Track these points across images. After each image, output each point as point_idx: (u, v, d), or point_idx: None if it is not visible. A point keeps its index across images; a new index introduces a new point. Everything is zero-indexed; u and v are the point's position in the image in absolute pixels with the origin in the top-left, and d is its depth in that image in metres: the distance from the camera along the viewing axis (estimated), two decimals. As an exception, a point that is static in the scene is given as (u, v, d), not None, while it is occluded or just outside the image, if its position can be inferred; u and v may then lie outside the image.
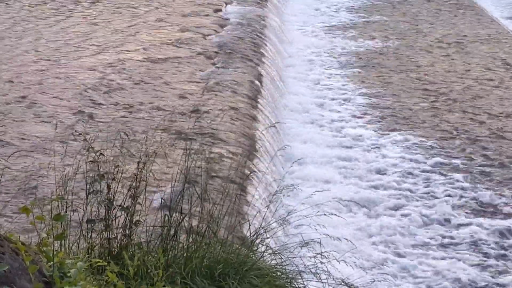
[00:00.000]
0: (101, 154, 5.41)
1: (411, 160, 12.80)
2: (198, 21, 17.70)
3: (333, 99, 15.95)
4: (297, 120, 14.50)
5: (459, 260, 9.83)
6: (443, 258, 9.87)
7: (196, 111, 11.00)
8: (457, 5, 25.45)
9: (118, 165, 5.47)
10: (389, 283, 8.51)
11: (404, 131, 14.01)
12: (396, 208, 11.16)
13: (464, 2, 26.05)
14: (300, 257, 5.86)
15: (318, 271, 5.75)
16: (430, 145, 13.37)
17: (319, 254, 5.80)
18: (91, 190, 5.37)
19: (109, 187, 5.38)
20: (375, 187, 11.79)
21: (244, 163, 9.41)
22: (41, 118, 10.52)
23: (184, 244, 5.50)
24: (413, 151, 13.13)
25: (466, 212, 11.10)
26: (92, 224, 5.38)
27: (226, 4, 20.21)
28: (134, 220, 5.42)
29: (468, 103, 15.40)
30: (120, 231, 5.39)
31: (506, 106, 15.19)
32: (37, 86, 12.05)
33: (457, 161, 12.68)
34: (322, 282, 5.77)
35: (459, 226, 10.70)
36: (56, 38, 15.28)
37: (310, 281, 5.77)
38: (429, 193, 11.69)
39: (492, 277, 9.47)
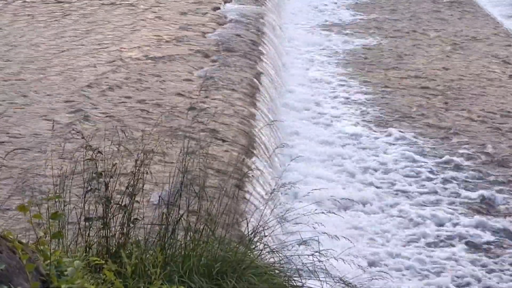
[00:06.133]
0: (99, 152, 5.40)
1: (409, 158, 12.79)
2: (197, 19, 17.68)
3: (331, 97, 15.95)
4: (296, 118, 14.50)
5: (456, 258, 9.84)
6: (440, 256, 9.87)
7: (194, 108, 10.99)
8: (456, 4, 25.43)
9: (116, 163, 5.46)
10: (386, 281, 8.50)
11: (403, 128, 14.01)
12: (393, 206, 11.16)
13: (462, 0, 26.04)
14: (298, 255, 5.86)
15: (316, 269, 5.75)
16: (428, 143, 13.37)
17: (317, 252, 5.80)
18: (89, 188, 5.36)
19: (106, 185, 5.37)
20: (373, 185, 11.79)
21: (242, 161, 9.40)
22: (38, 116, 10.51)
23: (182, 242, 5.50)
24: (411, 149, 13.13)
25: (463, 211, 11.09)
26: (90, 223, 5.37)
27: (225, 2, 20.20)
28: (132, 218, 5.42)
29: (467, 101, 15.39)
30: (118, 229, 5.38)
31: (504, 104, 15.18)
32: (35, 84, 12.03)
33: (455, 159, 12.67)
34: (320, 281, 5.77)
35: (457, 225, 10.69)
36: (54, 36, 15.26)
37: (308, 279, 5.77)
38: (427, 191, 11.69)
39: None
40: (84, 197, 5.35)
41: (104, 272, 4.56)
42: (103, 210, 5.37)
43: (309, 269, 5.72)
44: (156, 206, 5.72)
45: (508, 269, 9.60)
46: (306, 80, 17.07)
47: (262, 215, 6.31)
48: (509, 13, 25.31)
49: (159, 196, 5.77)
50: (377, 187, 11.74)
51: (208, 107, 11.23)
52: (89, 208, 5.39)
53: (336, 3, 26.17)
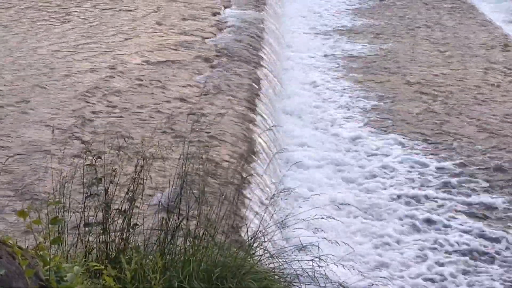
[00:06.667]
0: (98, 157, 5.41)
1: (410, 163, 12.80)
2: (197, 25, 17.70)
3: (331, 102, 15.95)
4: (296, 123, 14.50)
5: (458, 264, 9.84)
6: (440, 262, 9.87)
7: (194, 114, 11.00)
8: (456, 9, 25.46)
9: (115, 168, 5.47)
10: (386, 287, 8.50)
11: (404, 134, 14.01)
12: (393, 211, 11.16)
13: (462, 6, 26.06)
14: (297, 260, 5.86)
15: (316, 275, 5.75)
16: (429, 148, 13.37)
17: (316, 257, 5.80)
18: (89, 193, 5.36)
19: (106, 191, 5.37)
20: (374, 191, 11.79)
21: (242, 166, 9.41)
22: (38, 121, 10.51)
23: (181, 248, 5.50)
24: (412, 154, 13.13)
25: (465, 217, 11.09)
26: (90, 228, 5.37)
27: (225, 7, 20.22)
28: (132, 223, 5.42)
29: (467, 107, 15.40)
30: (117, 234, 5.39)
31: (505, 110, 15.18)
32: (35, 89, 12.04)
33: (456, 165, 12.67)
34: (320, 286, 5.77)
35: (456, 230, 10.68)
36: (54, 41, 15.28)
37: (308, 284, 5.77)
38: (428, 196, 11.69)
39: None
40: (84, 203, 5.36)
41: (103, 278, 4.57)
42: (102, 215, 5.37)
43: (308, 275, 5.72)
44: (156, 210, 5.73)
45: (508, 277, 9.60)
46: (306, 85, 17.07)
47: (262, 220, 6.31)
48: (510, 18, 25.33)
49: (159, 201, 5.77)
50: (378, 193, 11.74)
51: (208, 112, 11.24)
52: (88, 213, 5.39)
53: (336, 8, 26.18)
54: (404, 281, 9.40)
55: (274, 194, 6.42)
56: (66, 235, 5.21)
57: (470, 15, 24.56)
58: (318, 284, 5.74)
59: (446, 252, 10.11)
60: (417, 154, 13.16)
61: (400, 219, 10.95)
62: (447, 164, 12.71)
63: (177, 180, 5.72)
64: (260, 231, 5.92)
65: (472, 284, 9.39)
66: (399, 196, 11.67)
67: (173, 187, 5.77)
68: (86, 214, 5.39)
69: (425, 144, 13.58)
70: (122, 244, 5.37)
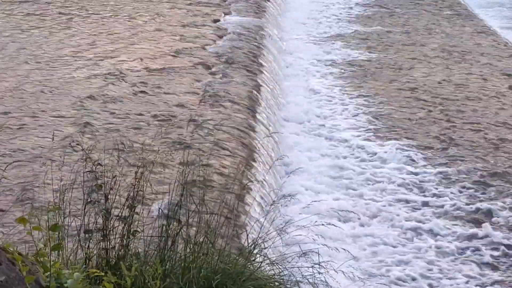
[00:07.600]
0: (98, 164, 5.41)
1: (408, 170, 12.80)
2: (197, 31, 17.72)
3: (331, 109, 15.96)
4: (296, 129, 14.51)
5: (456, 270, 9.83)
6: (437, 269, 9.87)
7: (194, 120, 11.02)
8: (455, 16, 25.49)
9: (115, 175, 5.47)
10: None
11: (402, 140, 14.01)
12: (392, 218, 11.16)
13: (462, 12, 26.09)
14: (298, 267, 5.86)
15: (316, 282, 5.75)
16: (428, 155, 13.37)
17: (317, 264, 5.80)
18: (89, 200, 5.37)
19: (106, 197, 5.38)
20: (373, 197, 11.79)
21: (242, 173, 9.41)
22: (38, 129, 10.52)
23: (181, 255, 5.50)
24: (411, 161, 13.14)
25: (462, 223, 11.09)
26: (90, 234, 5.38)
27: (225, 14, 20.25)
28: (132, 230, 5.43)
29: (466, 113, 15.40)
30: (117, 241, 5.39)
31: (503, 117, 15.19)
32: (34, 97, 12.05)
33: (455, 171, 12.67)
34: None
35: (453, 237, 10.67)
36: (54, 49, 15.30)
37: (308, 291, 5.77)
38: (424, 203, 11.69)
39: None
40: (84, 209, 5.36)
41: (103, 284, 4.57)
42: (103, 222, 5.37)
43: (309, 281, 5.72)
44: (156, 218, 5.73)
45: (507, 284, 9.59)
46: (306, 92, 17.08)
47: (262, 226, 6.31)
48: (508, 25, 25.37)
49: (159, 208, 5.78)
50: (376, 199, 11.74)
51: (208, 119, 11.25)
52: (89, 220, 5.39)
53: (336, 15, 26.21)
54: None
55: (274, 201, 6.43)
56: (66, 242, 5.21)
57: (469, 21, 24.58)
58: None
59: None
60: (415, 159, 13.16)
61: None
62: (446, 170, 12.71)
63: (177, 187, 5.72)
64: (260, 237, 5.92)
65: None
66: (398, 201, 11.69)
67: (173, 194, 5.77)
68: (86, 220, 5.39)
69: (425, 150, 13.57)
70: (122, 250, 5.37)
